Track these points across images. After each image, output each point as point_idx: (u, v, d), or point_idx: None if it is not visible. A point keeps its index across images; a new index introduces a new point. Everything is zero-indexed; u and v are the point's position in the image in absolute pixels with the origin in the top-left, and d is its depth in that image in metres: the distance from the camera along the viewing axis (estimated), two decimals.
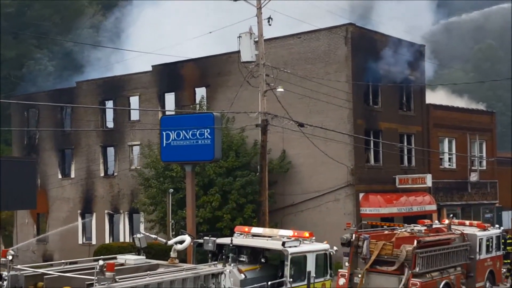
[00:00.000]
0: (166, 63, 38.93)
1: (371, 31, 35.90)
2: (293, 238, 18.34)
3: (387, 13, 43.03)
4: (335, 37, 33.85)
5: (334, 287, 21.02)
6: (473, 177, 40.84)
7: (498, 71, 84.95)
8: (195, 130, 25.45)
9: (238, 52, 27.45)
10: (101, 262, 12.13)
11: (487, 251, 24.26)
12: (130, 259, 15.01)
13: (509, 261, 27.30)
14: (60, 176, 44.98)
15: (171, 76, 39.94)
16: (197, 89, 38.82)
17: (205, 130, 25.30)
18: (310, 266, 17.96)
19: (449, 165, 40.72)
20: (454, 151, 40.49)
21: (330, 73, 33.54)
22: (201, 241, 16.72)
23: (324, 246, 19.08)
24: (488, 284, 24.25)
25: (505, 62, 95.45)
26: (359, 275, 20.82)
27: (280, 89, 27.71)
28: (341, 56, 33.62)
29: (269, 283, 16.56)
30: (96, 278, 11.93)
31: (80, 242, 42.77)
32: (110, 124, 42.87)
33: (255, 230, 19.77)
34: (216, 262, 16.21)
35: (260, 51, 26.79)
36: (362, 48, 34.12)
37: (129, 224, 40.92)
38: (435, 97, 42.75)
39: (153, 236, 17.07)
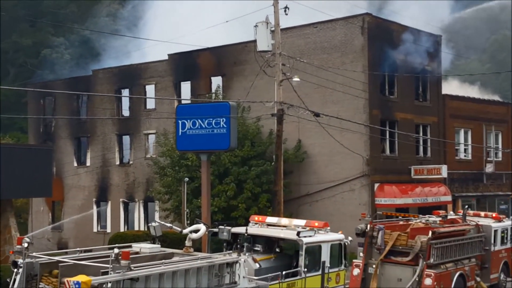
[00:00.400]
0: (182, 52, 39.01)
1: (387, 21, 35.75)
2: (308, 228, 18.38)
3: (404, 3, 42.81)
4: (351, 27, 33.73)
5: (349, 277, 21.07)
6: (489, 168, 40.67)
7: None
8: (211, 119, 25.47)
9: (255, 41, 27.44)
10: (116, 250, 12.15)
11: (502, 243, 24.19)
12: (145, 247, 15.09)
13: None
14: (75, 164, 45.29)
15: (187, 65, 40.00)
16: (213, 78, 38.88)
17: (221, 119, 25.32)
18: (325, 256, 18.00)
19: (465, 156, 40.55)
20: (470, 142, 40.30)
21: (346, 63, 33.45)
22: (216, 230, 16.78)
23: (339, 236, 19.11)
24: (502, 275, 24.18)
25: None
26: (374, 266, 20.82)
27: (296, 79, 27.68)
28: (358, 46, 33.51)
29: (284, 272, 16.62)
30: (111, 266, 11.97)
31: (95, 230, 43.13)
32: (126, 112, 43.08)
33: (270, 219, 19.83)
34: (231, 252, 16.30)
35: (277, 40, 26.77)
36: (378, 38, 33.98)
37: (144, 212, 41.16)
38: (451, 87, 42.51)
39: (168, 224, 17.14)
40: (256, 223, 19.39)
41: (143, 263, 13.19)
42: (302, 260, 17.15)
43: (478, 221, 23.81)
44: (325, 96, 33.46)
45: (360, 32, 33.47)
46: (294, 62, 28.19)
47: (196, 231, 16.30)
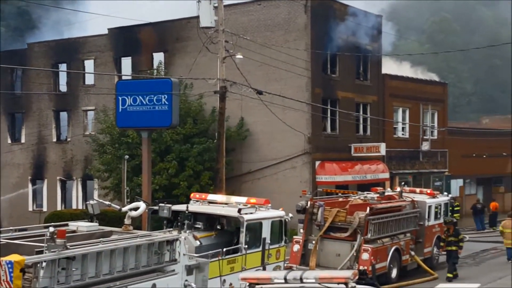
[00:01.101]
0: (123, 26, 38.35)
1: (330, 0, 35.98)
2: (249, 205, 18.49)
3: None
4: (295, 5, 33.84)
5: (289, 253, 21.35)
6: (425, 146, 41.72)
7: (452, 43, 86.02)
8: (152, 96, 25.17)
9: (197, 17, 27.17)
10: (51, 229, 11.84)
11: (436, 218, 24.89)
12: (82, 226, 14.85)
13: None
14: (9, 141, 44.10)
15: (127, 40, 39.37)
16: (154, 54, 38.40)
17: (163, 96, 25.05)
18: (266, 232, 18.15)
19: (403, 134, 41.46)
20: (407, 120, 41.19)
21: (289, 41, 33.58)
22: (156, 208, 16.65)
23: (279, 213, 19.27)
24: (435, 249, 24.95)
25: (459, 34, 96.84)
26: (313, 242, 21.15)
27: (239, 56, 27.59)
28: (301, 24, 33.67)
29: (224, 249, 16.70)
30: (46, 245, 11.66)
31: (30, 209, 42.25)
32: (63, 88, 42.14)
33: (212, 197, 19.85)
34: (171, 229, 16.27)
35: (220, 16, 26.58)
36: (321, 17, 34.22)
37: (82, 191, 40.54)
38: (391, 67, 43.24)
39: (107, 202, 16.95)
40: (197, 201, 19.36)
41: (80, 242, 13.00)
42: (243, 237, 17.23)
43: (414, 197, 24.43)
44: (268, 74, 33.53)
45: (304, 10, 33.62)
46: (237, 39, 28.07)
47: (136, 209, 16.19)
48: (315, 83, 33.66)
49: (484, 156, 48.47)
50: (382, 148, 36.09)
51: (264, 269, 17.34)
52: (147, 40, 38.59)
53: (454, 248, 22.43)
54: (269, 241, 18.17)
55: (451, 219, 23.73)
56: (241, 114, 34.31)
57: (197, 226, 18.26)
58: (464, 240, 23.35)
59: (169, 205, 16.30)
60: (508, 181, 53.20)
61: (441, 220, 25.02)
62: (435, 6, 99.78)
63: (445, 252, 23.47)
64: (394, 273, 21.91)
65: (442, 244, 23.26)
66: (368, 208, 20.83)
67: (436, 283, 22.07)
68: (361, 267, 19.71)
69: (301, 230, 21.83)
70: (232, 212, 17.84)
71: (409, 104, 41.18)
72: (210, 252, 16.39)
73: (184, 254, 15.01)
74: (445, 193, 29.36)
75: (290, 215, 19.84)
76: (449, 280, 22.13)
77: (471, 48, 50.85)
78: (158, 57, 37.86)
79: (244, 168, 34.66)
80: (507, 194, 52.12)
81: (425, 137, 42.20)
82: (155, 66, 36.87)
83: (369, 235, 20.51)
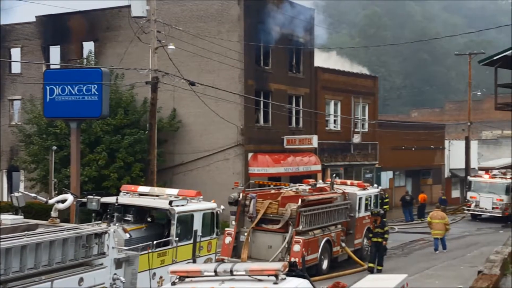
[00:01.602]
0: (52, 14, 37.33)
1: None
2: (180, 197, 18.29)
3: None
4: None
5: (221, 246, 21.28)
6: (356, 138, 42.36)
7: (383, 37, 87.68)
8: (82, 86, 24.62)
9: (129, 6, 26.73)
10: None
11: (366, 209, 25.25)
12: (6, 218, 14.34)
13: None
14: None
15: (56, 28, 38.32)
16: (84, 43, 37.58)
17: (92, 86, 24.55)
18: (197, 225, 17.98)
19: (334, 127, 41.97)
20: (339, 113, 41.72)
21: (222, 32, 33.43)
22: (84, 200, 16.29)
23: (211, 205, 19.13)
24: (365, 240, 25.33)
25: (389, 28, 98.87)
26: (245, 234, 21.13)
27: (171, 47, 27.27)
28: (234, 15, 33.55)
29: (154, 242, 16.45)
30: None
31: None
32: None
33: (142, 189, 19.50)
34: (100, 222, 15.92)
35: (152, 6, 26.18)
36: (254, 8, 34.19)
37: (7, 182, 39.32)
38: (323, 60, 43.69)
39: (32, 194, 16.42)
40: (127, 193, 18.99)
41: (4, 235, 12.54)
42: (174, 230, 17.01)
43: (345, 189, 24.74)
44: (201, 65, 33.32)
45: (237, 2, 33.52)
46: (170, 29, 27.71)
47: (63, 201, 15.73)
48: (248, 75, 33.64)
49: (413, 149, 49.70)
50: (314, 140, 36.45)
51: (194, 261, 17.16)
52: (76, 29, 37.68)
53: (379, 239, 22.32)
54: (200, 234, 18.01)
55: (377, 210, 23.77)
56: (173, 105, 34.01)
57: (127, 218, 17.90)
58: (389, 232, 23.41)
59: (98, 197, 15.95)
60: (436, 173, 54.75)
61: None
62: (366, 1, 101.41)
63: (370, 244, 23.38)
64: (325, 264, 22.14)
65: (370, 235, 23.27)
66: (299, 200, 20.96)
67: (365, 274, 22.39)
68: (292, 259, 19.82)
69: (233, 222, 21.78)
70: (163, 204, 17.58)
71: (340, 96, 41.72)
72: (140, 245, 16.12)
73: (113, 247, 14.69)
74: (375, 185, 29.89)
75: (222, 207, 19.74)
76: (370, 270, 22.10)
77: (401, 43, 51.98)
78: (88, 46, 37.08)
79: (176, 160, 34.39)
80: (435, 186, 53.62)
81: (356, 130, 42.86)
82: (85, 56, 36.04)
83: (300, 227, 20.64)
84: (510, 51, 30.81)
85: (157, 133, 26.81)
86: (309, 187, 24.10)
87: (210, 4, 34.21)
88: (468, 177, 43.99)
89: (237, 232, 21.54)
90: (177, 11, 34.57)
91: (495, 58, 32.07)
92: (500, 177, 41.58)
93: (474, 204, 40.33)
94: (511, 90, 31.60)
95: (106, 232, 14.25)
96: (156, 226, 18.32)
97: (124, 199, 18.12)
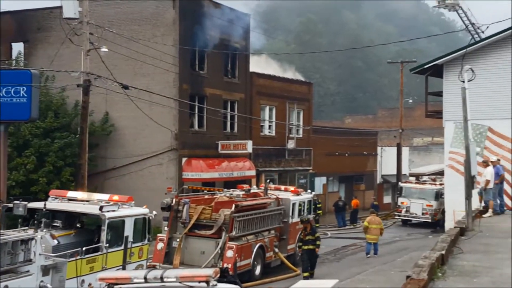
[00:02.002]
0: None
1: None
2: (111, 203, 17.96)
3: None
4: (163, 0, 33.39)
5: (152, 252, 20.99)
6: (290, 144, 42.65)
7: (318, 44, 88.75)
8: (10, 88, 23.84)
9: (61, 7, 26.12)
10: None
11: (299, 215, 25.36)
12: None
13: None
14: None
15: None
16: (14, 44, 36.56)
17: (21, 88, 23.83)
18: (128, 230, 17.73)
19: (269, 132, 42.15)
20: (274, 118, 41.94)
21: (157, 35, 33.11)
22: (10, 205, 15.80)
23: (143, 210, 18.91)
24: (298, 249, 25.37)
25: (324, 35, 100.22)
26: (178, 239, 20.92)
27: (104, 49, 26.80)
28: (169, 19, 33.29)
29: (84, 248, 16.10)
30: None
31: None
32: None
33: (72, 194, 19.09)
34: (26, 228, 15.47)
35: (84, 8, 25.65)
36: (190, 13, 34.01)
37: None
38: (258, 65, 43.86)
39: None
40: (56, 198, 18.54)
41: None
42: (104, 235, 16.72)
43: (278, 195, 24.81)
44: (135, 68, 32.93)
45: (172, 5, 33.27)
46: (103, 31, 27.23)
47: None
48: (183, 79, 33.41)
49: (347, 155, 50.45)
50: (249, 146, 36.50)
51: (124, 268, 16.87)
52: (5, 29, 36.55)
53: (311, 247, 21.75)
54: (131, 240, 17.76)
55: (307, 217, 23.19)
56: (106, 108, 33.46)
57: (55, 224, 17.51)
58: (320, 238, 22.85)
59: (25, 203, 15.51)
60: (368, 179, 55.71)
61: None
62: (302, 7, 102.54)
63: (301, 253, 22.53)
64: (258, 270, 22.13)
65: (300, 244, 22.33)
66: (233, 206, 20.90)
67: (297, 280, 22.48)
68: (225, 265, 19.73)
69: (166, 228, 21.54)
70: (93, 209, 17.24)
71: (275, 102, 41.95)
72: (69, 251, 15.76)
73: (40, 254, 14.32)
74: (309, 191, 30.13)
75: (154, 212, 19.52)
76: (306, 278, 22.00)
77: (335, 50, 52.71)
78: (18, 47, 36.10)
79: (108, 164, 33.81)
80: (367, 191, 54.55)
81: (291, 136, 43.16)
82: (14, 57, 35.05)
83: (234, 233, 20.57)
84: (440, 60, 31.62)
85: (88, 137, 26.25)
86: (243, 192, 24.05)
87: (144, 7, 33.84)
88: (399, 183, 44.90)
89: (170, 238, 21.31)
90: (111, 13, 34.06)
91: (426, 66, 32.80)
92: (430, 183, 42.62)
93: (404, 209, 41.14)
94: (441, 98, 32.39)
95: (33, 239, 13.90)
96: (86, 232, 17.97)
97: (52, 204, 17.68)
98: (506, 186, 24.01)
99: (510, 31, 29.65)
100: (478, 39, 44.83)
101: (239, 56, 38.10)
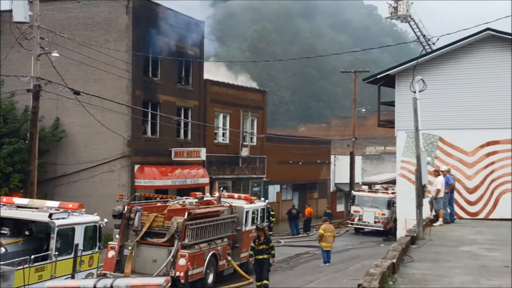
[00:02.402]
0: None
1: (153, 2, 35.53)
2: (61, 210, 17.64)
3: None
4: (116, 5, 33.10)
5: (103, 260, 20.65)
6: (244, 152, 42.64)
7: (272, 52, 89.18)
8: None
9: (10, 11, 25.60)
10: None
11: (252, 223, 25.33)
12: None
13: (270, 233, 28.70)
14: None
15: None
16: None
17: None
18: (78, 238, 17.45)
19: (223, 140, 42.05)
20: (228, 126, 41.88)
21: (110, 41, 32.74)
22: None
23: (94, 218, 18.64)
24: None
25: (279, 44, 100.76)
26: (129, 247, 20.62)
27: (55, 54, 26.32)
28: (122, 25, 32.98)
29: (32, 256, 15.74)
30: None
31: None
32: None
33: (21, 201, 18.69)
34: None
35: (35, 12, 25.16)
36: (143, 19, 33.74)
37: None
38: (213, 73, 43.78)
39: None
40: (4, 205, 18.11)
41: None
42: (53, 243, 16.41)
43: (232, 203, 24.73)
44: (87, 74, 32.48)
45: (125, 11, 32.95)
46: (54, 36, 26.78)
47: None
48: (136, 85, 33.09)
49: (300, 163, 50.70)
50: (203, 153, 36.32)
51: (73, 277, 16.56)
52: None
53: (266, 256, 21.14)
54: (81, 247, 17.47)
55: (263, 225, 22.73)
56: (57, 114, 32.95)
57: (3, 232, 17.12)
58: (274, 247, 22.11)
59: None
60: (321, 187, 56.09)
61: None
62: (256, 15, 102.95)
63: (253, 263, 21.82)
64: (210, 278, 21.96)
65: (251, 252, 21.47)
66: (186, 213, 20.71)
67: (250, 287, 22.44)
68: (177, 273, 19.53)
69: (117, 236, 21.19)
70: (42, 217, 16.92)
71: (229, 110, 41.90)
72: (17, 259, 15.39)
73: None
74: (263, 199, 30.12)
75: (106, 220, 19.24)
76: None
77: (289, 59, 53.02)
78: None
79: (59, 171, 33.21)
80: (320, 200, 54.90)
81: (244, 143, 43.16)
82: None
83: (186, 241, 20.38)
84: (392, 71, 32.09)
85: (38, 143, 25.73)
86: (196, 200, 23.88)
87: (97, 12, 33.45)
88: (352, 191, 45.33)
89: (121, 246, 20.97)
90: (62, 17, 33.59)
91: (378, 76, 33.28)
92: (382, 192, 43.16)
93: (357, 218, 41.55)
94: (393, 108, 32.87)
95: None
96: (35, 240, 17.62)
97: (0, 211, 17.24)
98: (456, 195, 24.46)
99: (460, 43, 30.33)
100: (429, 50, 45.76)
101: (193, 63, 37.96)
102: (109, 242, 21.31)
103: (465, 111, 29.92)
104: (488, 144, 29.96)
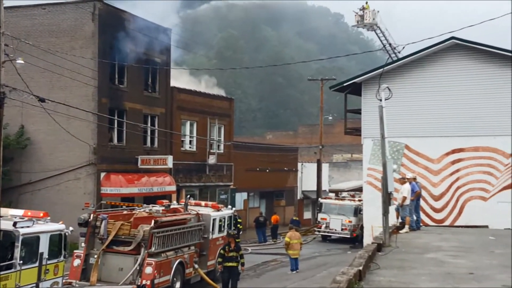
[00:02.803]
0: None
1: (119, 10, 35.31)
2: (26, 218, 17.41)
3: None
4: (82, 12, 32.83)
5: (69, 269, 20.41)
6: (211, 159, 42.54)
7: (239, 60, 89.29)
8: None
9: None
10: None
11: (220, 231, 25.32)
12: None
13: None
14: None
15: None
16: None
17: None
18: (43, 247, 17.24)
19: (190, 147, 41.93)
20: (195, 134, 41.76)
21: (75, 48, 32.47)
22: None
23: (59, 226, 18.45)
24: (217, 265, 25.19)
25: (246, 51, 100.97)
26: (95, 256, 20.42)
27: (20, 61, 25.96)
28: (88, 32, 32.73)
29: None
30: None
31: None
32: None
33: None
34: None
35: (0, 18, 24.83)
36: (109, 26, 33.52)
37: None
38: (180, 80, 43.67)
39: None
40: None
41: None
42: (17, 252, 16.21)
43: (199, 211, 24.64)
44: (52, 81, 32.15)
45: (91, 18, 32.71)
46: (19, 43, 26.44)
47: None
48: (102, 93, 32.84)
49: (267, 171, 50.79)
50: (169, 161, 36.14)
51: (37, 286, 16.33)
52: None
53: (235, 264, 21.20)
54: (46, 256, 17.26)
55: (234, 232, 23.21)
56: (21, 121, 32.56)
57: None
58: (244, 255, 22.31)
59: None
60: (289, 194, 56.25)
61: (225, 233, 25.45)
62: (223, 23, 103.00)
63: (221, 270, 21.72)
64: (177, 286, 21.85)
65: (220, 260, 21.60)
66: (152, 221, 20.58)
67: None
68: (144, 281, 19.39)
69: (83, 244, 20.97)
70: (6, 225, 16.67)
71: (196, 117, 41.81)
72: None
73: None
74: (230, 206, 30.08)
75: (71, 228, 19.04)
76: None
77: (256, 66, 53.15)
78: None
79: (24, 179, 32.76)
80: (288, 207, 55.03)
81: (211, 151, 43.09)
82: None
83: (153, 249, 20.26)
84: (359, 79, 32.38)
85: (2, 150, 25.29)
86: (163, 208, 23.72)
87: (63, 19, 33.15)
88: (319, 199, 45.52)
89: (87, 254, 20.74)
90: (27, 24, 33.22)
91: (345, 84, 33.54)
92: (349, 199, 43.42)
93: (324, 225, 41.70)
94: (360, 116, 33.14)
95: None
96: None
97: None
98: (422, 203, 24.73)
99: (425, 51, 30.77)
100: (395, 58, 46.31)
101: (160, 71, 37.81)
102: (75, 251, 21.07)
103: (430, 119, 30.30)
104: (454, 151, 30.38)
